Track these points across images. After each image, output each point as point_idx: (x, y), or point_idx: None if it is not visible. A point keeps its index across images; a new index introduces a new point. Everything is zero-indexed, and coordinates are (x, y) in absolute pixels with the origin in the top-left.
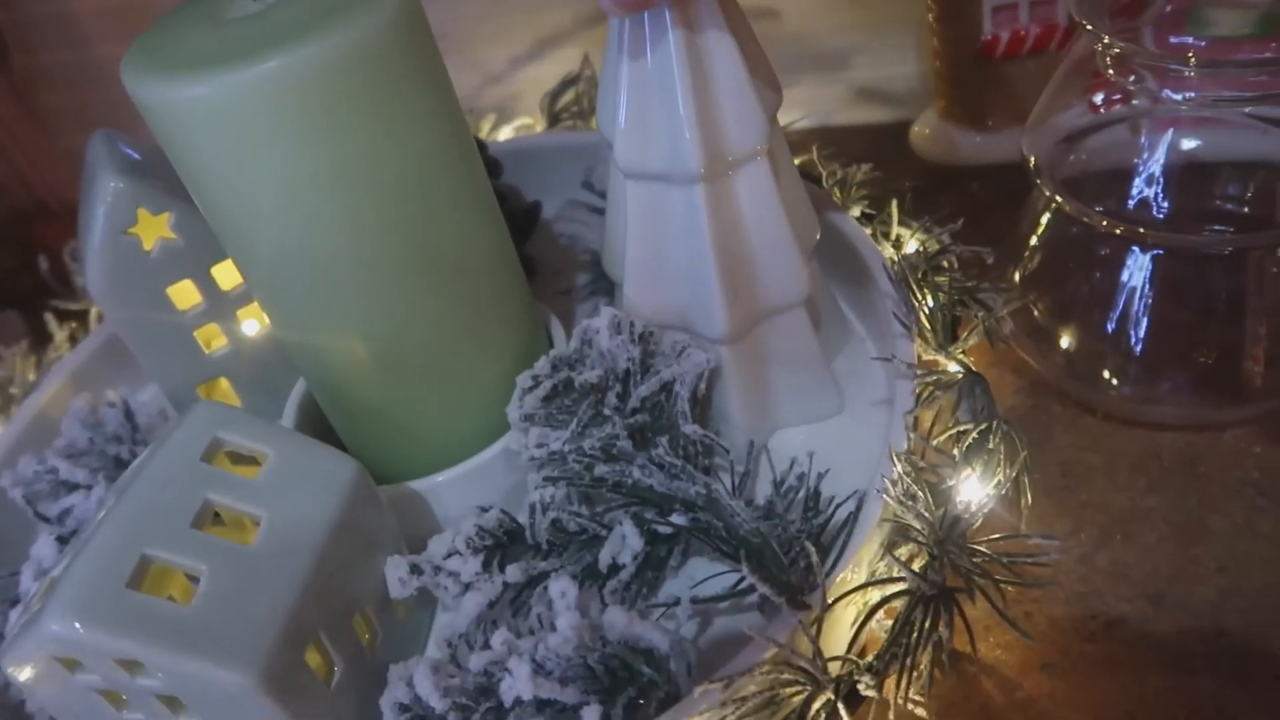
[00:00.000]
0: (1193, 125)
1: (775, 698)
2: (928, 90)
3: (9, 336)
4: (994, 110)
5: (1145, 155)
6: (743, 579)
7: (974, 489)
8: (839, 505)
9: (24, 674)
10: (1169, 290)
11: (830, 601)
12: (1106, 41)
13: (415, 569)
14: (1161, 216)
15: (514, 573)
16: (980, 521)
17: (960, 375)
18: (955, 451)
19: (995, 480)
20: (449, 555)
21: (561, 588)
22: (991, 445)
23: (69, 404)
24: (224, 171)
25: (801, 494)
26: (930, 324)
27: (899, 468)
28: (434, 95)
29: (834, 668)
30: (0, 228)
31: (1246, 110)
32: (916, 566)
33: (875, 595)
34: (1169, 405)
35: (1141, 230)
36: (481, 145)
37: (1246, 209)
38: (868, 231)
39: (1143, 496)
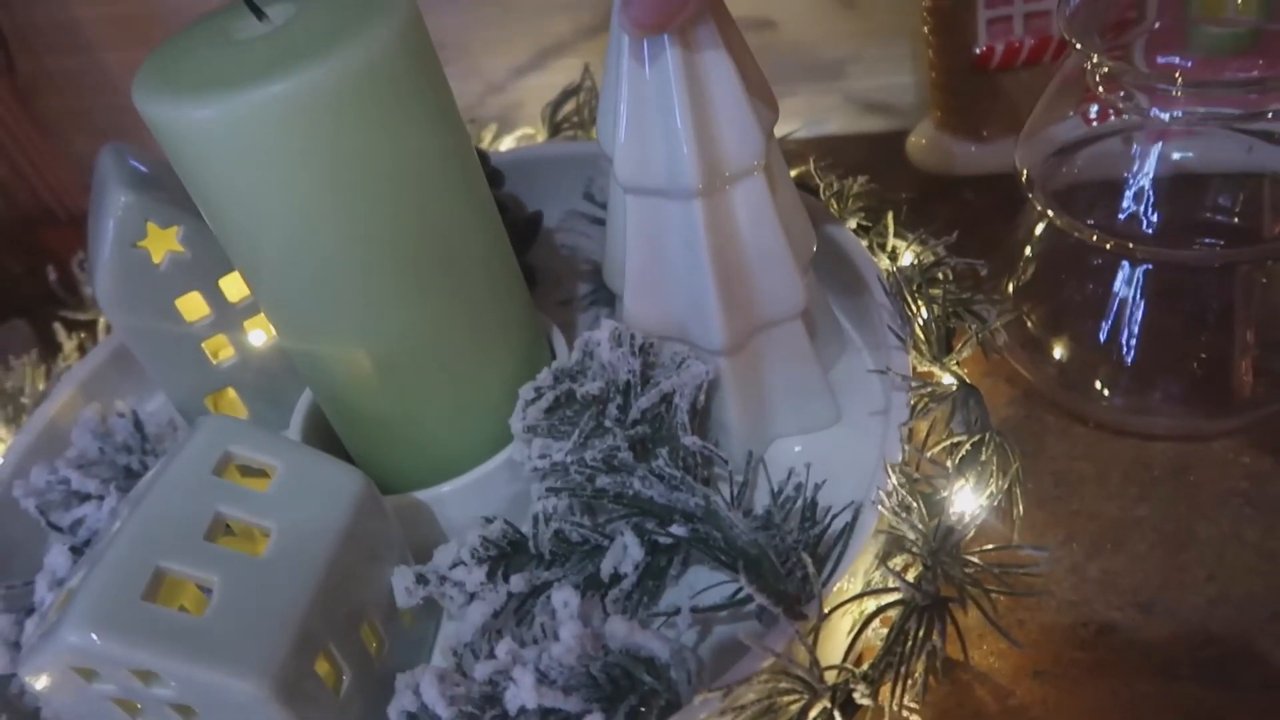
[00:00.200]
0: (1182, 137)
1: (773, 706)
2: (923, 100)
3: (17, 345)
4: (989, 121)
5: (1135, 168)
6: (741, 589)
7: (967, 500)
8: (835, 516)
9: (41, 682)
10: (1160, 301)
11: (827, 611)
12: (1095, 60)
13: (421, 579)
14: (1151, 230)
15: (518, 583)
16: (973, 532)
17: (955, 387)
18: (949, 463)
19: (988, 491)
20: (454, 565)
21: (564, 597)
22: (984, 457)
23: (79, 414)
24: (231, 189)
25: (799, 504)
26: (925, 336)
27: (894, 479)
28: (437, 110)
29: (830, 676)
30: (6, 234)
31: (1234, 125)
32: (911, 576)
33: (871, 605)
34: (1160, 415)
35: (1131, 245)
36: (483, 156)
37: (1236, 220)
38: (864, 243)
39: (1133, 505)
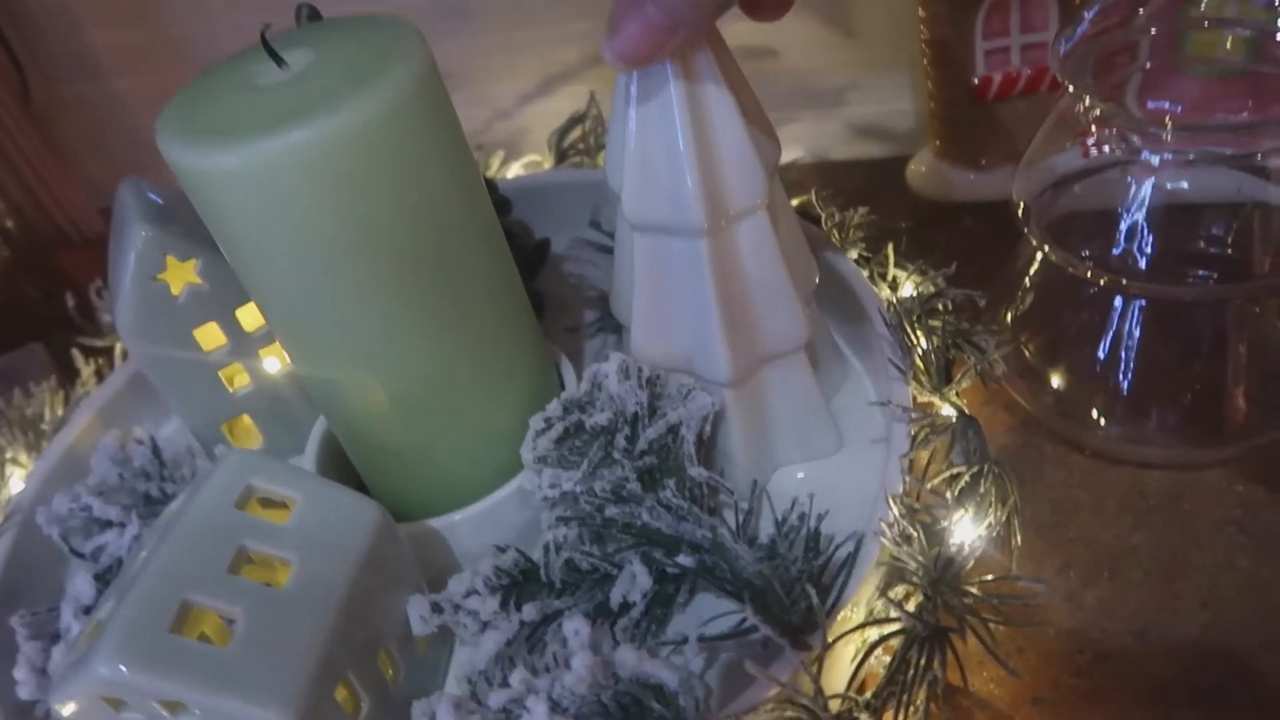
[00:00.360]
0: (1175, 170)
1: None
2: (922, 126)
3: (34, 369)
4: (987, 149)
5: (1129, 201)
6: (747, 618)
7: (966, 530)
8: (838, 546)
9: (70, 710)
10: (1154, 332)
11: (831, 641)
12: (1088, 102)
13: (436, 607)
14: (1145, 262)
15: (530, 611)
16: (973, 562)
17: (954, 418)
18: (949, 494)
19: (987, 522)
20: (468, 594)
21: (575, 626)
22: (983, 489)
23: (99, 441)
24: (250, 229)
25: (802, 534)
26: (925, 366)
27: (895, 510)
28: (449, 151)
29: (835, 704)
30: (21, 257)
31: (1224, 164)
32: (911, 606)
33: (873, 634)
34: (1155, 445)
35: (1125, 281)
36: (491, 185)
37: (1228, 251)
38: (865, 273)
39: (1129, 533)
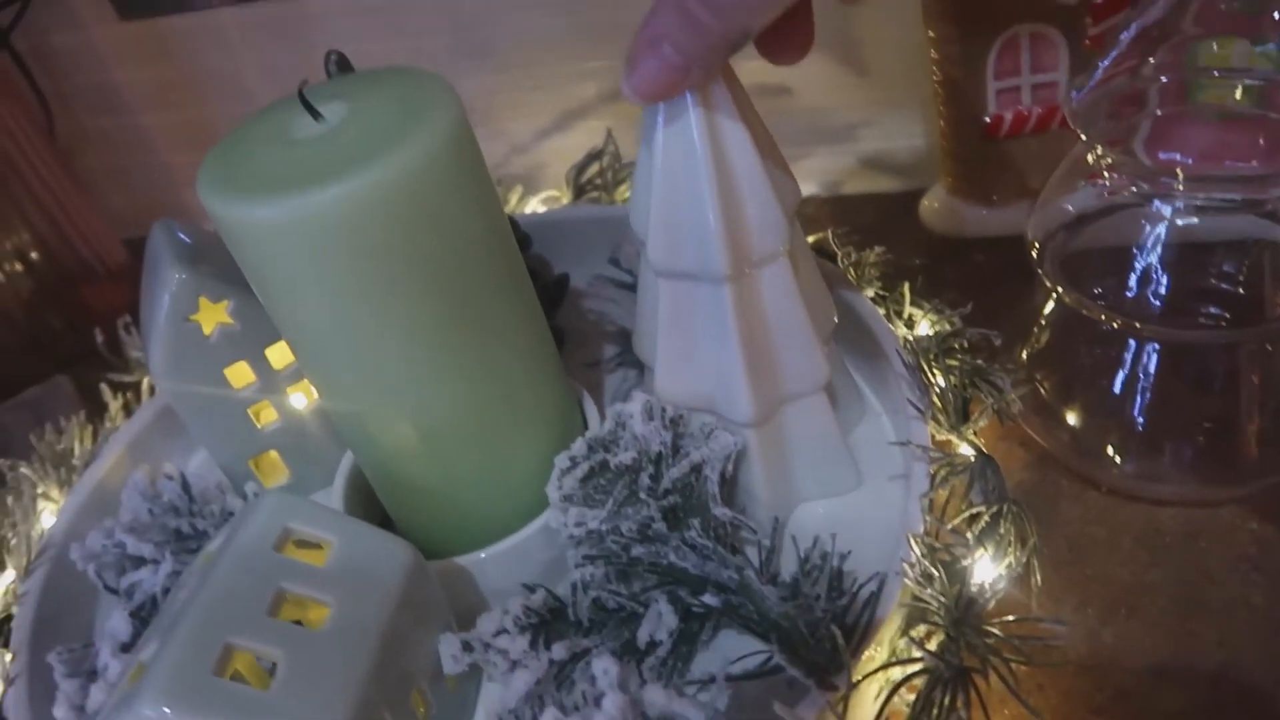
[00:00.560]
0: (1188, 212)
1: None
2: (934, 161)
3: (60, 402)
4: (998, 186)
5: (1141, 243)
6: (772, 657)
7: (987, 569)
8: (861, 586)
9: None
10: (1169, 370)
11: (856, 681)
12: (1100, 151)
13: (467, 646)
14: (1159, 302)
15: (559, 650)
16: (994, 602)
17: (973, 458)
18: (969, 534)
19: (1007, 561)
20: (498, 633)
21: (604, 665)
22: (1003, 529)
23: (129, 477)
24: (286, 277)
25: (825, 572)
26: (943, 404)
27: (916, 550)
28: (479, 199)
29: None
30: (46, 290)
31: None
32: (933, 645)
33: (897, 673)
34: (1169, 483)
35: (1138, 325)
36: (512, 221)
37: (1240, 290)
38: (881, 311)
39: (1145, 570)
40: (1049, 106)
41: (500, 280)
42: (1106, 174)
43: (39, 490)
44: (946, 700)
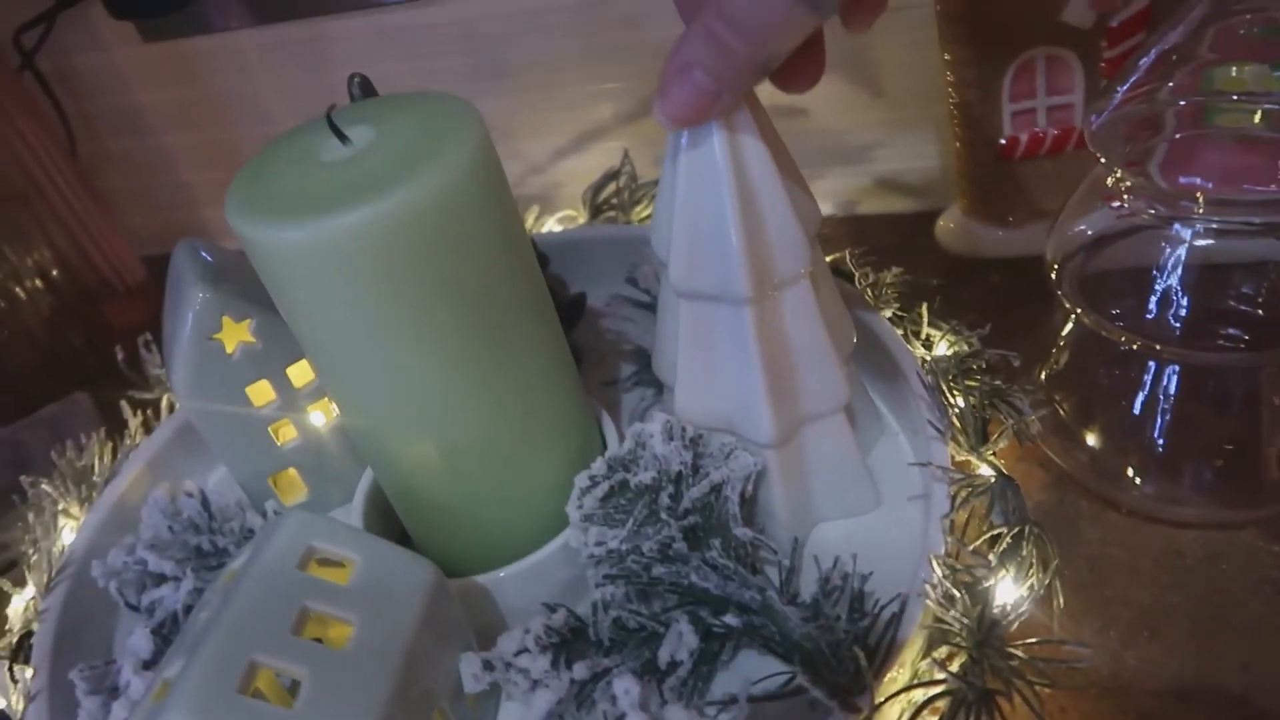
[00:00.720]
0: (1207, 235)
1: None
2: (949, 182)
3: (79, 418)
4: (1014, 207)
5: (1160, 266)
6: (793, 677)
7: (1009, 591)
8: (883, 607)
9: None
10: (1188, 392)
11: (879, 703)
12: (1120, 175)
13: (488, 665)
14: (1178, 324)
15: (580, 670)
16: (1017, 624)
17: (993, 479)
18: (991, 555)
19: (1028, 583)
20: (519, 652)
21: (625, 685)
22: (1024, 551)
23: (150, 494)
24: (312, 297)
25: (845, 592)
26: (962, 425)
27: (938, 572)
28: (503, 221)
29: None
30: (66, 307)
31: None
32: (955, 666)
33: (919, 695)
34: (1190, 505)
35: (1158, 346)
36: (530, 240)
37: (1260, 311)
38: (899, 332)
39: (1166, 592)
40: (1064, 129)
41: (523, 300)
42: (1125, 196)
43: (59, 507)
44: None
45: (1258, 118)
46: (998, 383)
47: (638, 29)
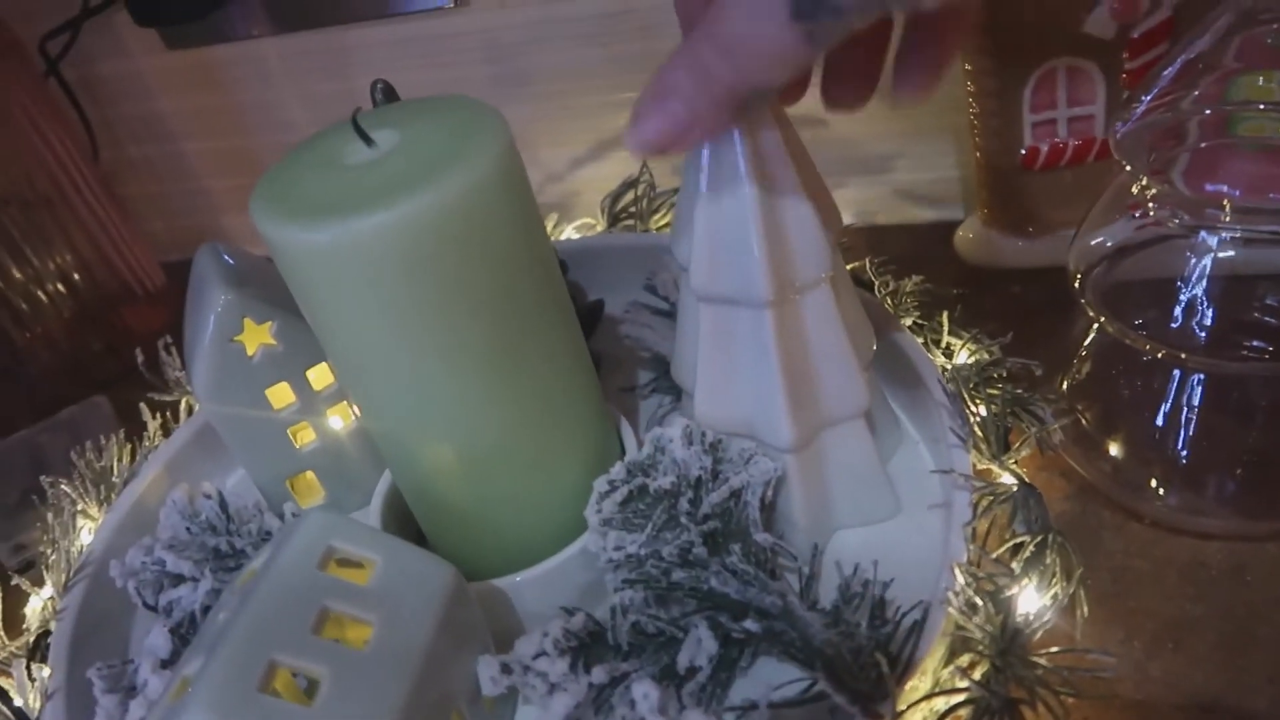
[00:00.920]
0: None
1: None
2: (968, 192)
3: (98, 421)
4: (1034, 218)
5: (1185, 275)
6: (814, 684)
7: (1031, 600)
8: (905, 614)
9: None
10: (1211, 404)
11: (901, 710)
12: (1145, 183)
13: (506, 668)
14: (1203, 334)
15: (599, 674)
16: (1041, 633)
17: (1015, 487)
18: (1014, 564)
19: (1052, 592)
20: (537, 656)
21: (644, 690)
22: (1048, 560)
23: (168, 495)
24: (336, 299)
25: (866, 599)
26: (984, 434)
27: (960, 579)
28: (526, 226)
29: None
30: (88, 312)
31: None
32: (977, 675)
33: (941, 703)
34: (1214, 516)
35: (1183, 355)
36: None
37: None
38: (919, 340)
39: (1191, 604)
40: (1085, 139)
41: (545, 305)
42: (1150, 205)
43: (78, 508)
44: None
45: None
46: (1019, 391)
47: (656, 38)
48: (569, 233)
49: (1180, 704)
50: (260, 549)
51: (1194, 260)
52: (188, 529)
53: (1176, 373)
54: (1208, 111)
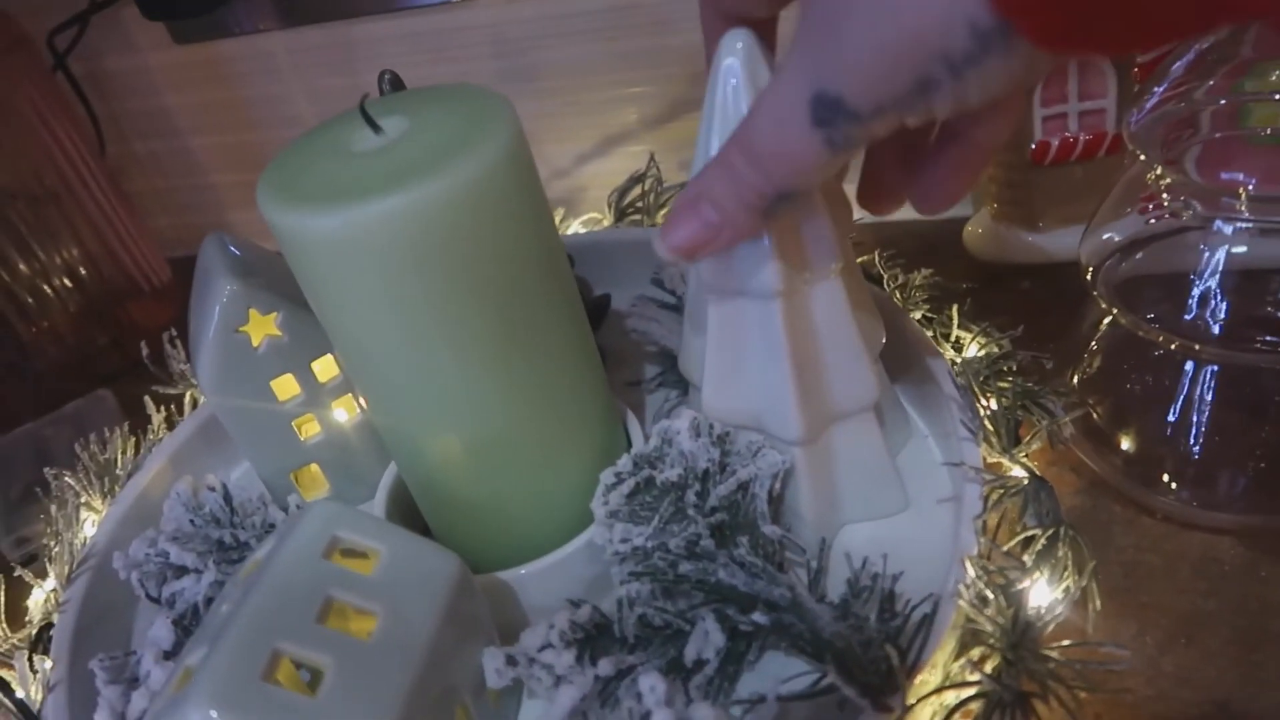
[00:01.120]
0: (1245, 237)
1: None
2: (978, 189)
3: (103, 415)
4: (1044, 212)
5: (1200, 267)
6: (823, 677)
7: (1043, 593)
8: (915, 607)
9: None
10: (1223, 398)
11: (911, 703)
12: (1160, 172)
13: (511, 660)
14: (1217, 327)
15: (605, 666)
16: (1052, 626)
17: (1026, 480)
18: (1026, 557)
19: (1064, 585)
20: (543, 648)
21: (651, 683)
22: (1060, 553)
23: (172, 487)
24: (343, 287)
25: (875, 592)
26: (994, 427)
27: (971, 572)
28: (534, 214)
29: None
30: (94, 307)
31: None
32: (989, 668)
33: (952, 697)
34: (1226, 511)
35: (1197, 347)
36: None
37: None
38: (929, 334)
39: (1204, 599)
40: (1096, 134)
41: (552, 295)
42: (1164, 195)
43: (82, 500)
44: None
45: None
46: (1030, 385)
47: (663, 34)
48: (576, 228)
49: (1193, 699)
50: (264, 540)
51: (1207, 253)
52: (191, 521)
53: (1189, 367)
54: (1222, 102)
